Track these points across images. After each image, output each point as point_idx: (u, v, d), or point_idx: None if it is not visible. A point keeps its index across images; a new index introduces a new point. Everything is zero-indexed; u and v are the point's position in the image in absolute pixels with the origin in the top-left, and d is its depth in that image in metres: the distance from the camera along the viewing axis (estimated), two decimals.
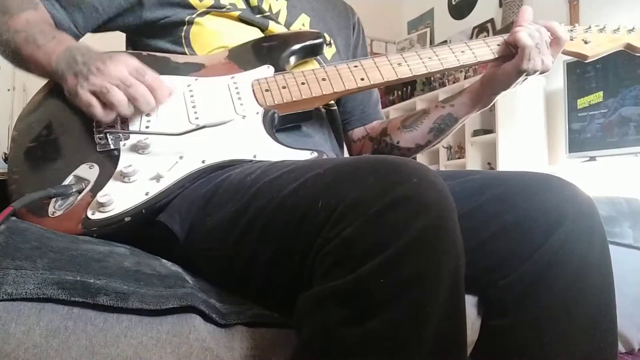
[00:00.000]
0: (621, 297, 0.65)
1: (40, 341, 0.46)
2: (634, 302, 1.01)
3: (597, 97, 2.60)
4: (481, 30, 3.67)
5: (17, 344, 0.46)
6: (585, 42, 0.91)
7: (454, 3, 4.05)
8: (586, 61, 0.92)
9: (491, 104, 0.93)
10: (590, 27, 0.92)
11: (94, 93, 0.70)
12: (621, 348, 1.09)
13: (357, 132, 1.06)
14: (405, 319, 0.44)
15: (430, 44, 4.22)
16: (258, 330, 0.57)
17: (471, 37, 3.74)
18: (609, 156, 2.57)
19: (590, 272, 0.64)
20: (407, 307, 0.44)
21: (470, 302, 0.70)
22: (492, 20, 3.59)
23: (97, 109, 0.70)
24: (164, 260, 0.63)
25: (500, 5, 3.50)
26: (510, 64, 0.84)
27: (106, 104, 0.70)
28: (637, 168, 2.49)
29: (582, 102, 2.67)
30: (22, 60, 0.78)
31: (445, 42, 4.02)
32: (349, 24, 1.07)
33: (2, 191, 0.76)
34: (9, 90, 3.32)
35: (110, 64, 0.71)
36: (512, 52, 0.85)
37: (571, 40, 0.90)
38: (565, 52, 0.91)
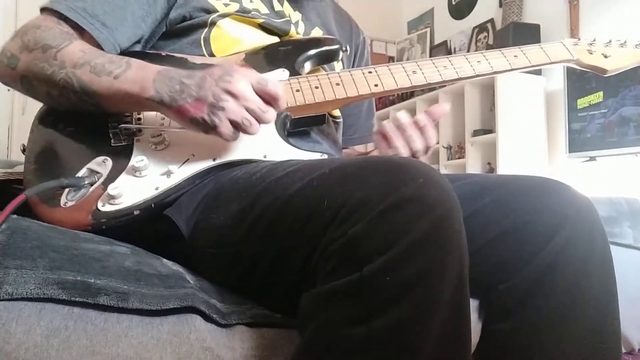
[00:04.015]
0: (621, 297, 0.65)
1: (41, 341, 0.46)
2: (635, 302, 1.01)
3: (597, 97, 2.59)
4: (481, 30, 3.67)
5: (18, 344, 0.46)
6: (605, 56, 0.89)
7: (454, 3, 4.05)
8: (605, 75, 0.90)
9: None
10: (610, 41, 0.91)
11: (232, 122, 0.65)
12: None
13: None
14: (410, 317, 0.45)
15: (430, 44, 4.21)
16: (259, 330, 0.57)
17: (471, 38, 3.73)
18: (609, 156, 2.57)
19: (591, 275, 0.64)
20: (412, 306, 0.45)
21: (471, 306, 0.70)
22: (492, 20, 3.59)
23: (234, 136, 0.67)
24: (165, 260, 0.63)
25: (500, 5, 3.50)
26: None
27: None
28: (637, 168, 2.49)
29: (582, 102, 2.66)
30: (92, 96, 0.69)
31: (445, 42, 4.02)
32: (350, 45, 1.08)
33: (2, 191, 0.76)
34: (9, 90, 3.32)
35: (235, 82, 0.65)
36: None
37: (590, 54, 0.89)
38: (584, 66, 0.90)
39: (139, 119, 0.75)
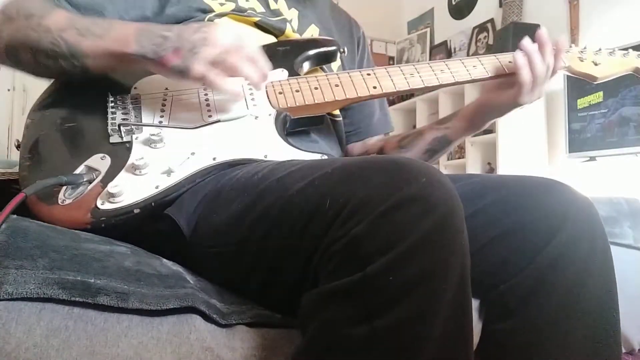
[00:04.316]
0: (621, 297, 0.65)
1: (41, 341, 0.46)
2: (634, 302, 1.01)
3: (597, 97, 2.59)
4: (481, 30, 3.67)
5: (18, 344, 0.46)
6: (595, 64, 0.92)
7: (454, 3, 4.05)
8: (595, 82, 0.93)
9: (485, 127, 0.95)
10: (600, 50, 0.93)
11: (208, 62, 0.67)
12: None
13: (358, 148, 1.07)
14: (412, 317, 0.45)
15: (430, 44, 4.21)
16: (259, 331, 0.57)
17: (471, 38, 3.73)
18: (609, 156, 2.57)
19: (591, 275, 0.64)
20: (414, 305, 0.45)
21: (472, 306, 0.70)
22: (492, 20, 3.59)
23: (217, 78, 0.68)
24: (164, 260, 0.63)
25: (500, 5, 3.50)
26: (508, 95, 0.86)
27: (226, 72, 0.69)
28: (637, 168, 2.49)
29: (582, 102, 2.67)
30: (80, 57, 0.71)
31: (445, 42, 4.02)
32: (352, 40, 1.08)
33: (2, 191, 0.76)
34: (9, 90, 3.32)
35: (212, 30, 0.68)
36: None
37: (581, 61, 0.92)
38: (575, 73, 0.92)
39: (138, 116, 0.75)
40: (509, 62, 0.87)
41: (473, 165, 3.28)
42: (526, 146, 3.00)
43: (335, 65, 0.99)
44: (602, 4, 2.78)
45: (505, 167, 2.94)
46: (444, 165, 3.52)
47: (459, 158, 3.46)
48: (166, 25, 0.71)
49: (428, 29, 4.27)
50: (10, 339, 0.45)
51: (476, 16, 3.77)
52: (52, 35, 0.70)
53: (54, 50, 0.70)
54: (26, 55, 0.72)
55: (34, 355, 0.46)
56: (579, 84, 2.68)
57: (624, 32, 2.57)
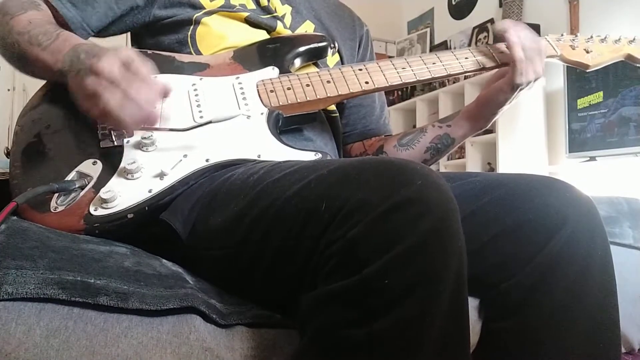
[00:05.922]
0: (621, 297, 0.65)
1: (41, 341, 0.46)
2: (635, 302, 1.01)
3: (597, 97, 2.59)
4: (481, 30, 3.67)
5: (18, 344, 0.46)
6: (587, 52, 0.91)
7: (454, 3, 4.05)
8: (587, 70, 0.92)
9: (490, 124, 0.92)
10: (592, 37, 0.92)
11: (90, 95, 0.64)
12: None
13: (356, 148, 1.06)
14: (410, 319, 0.45)
15: (430, 44, 4.21)
16: (259, 331, 0.57)
17: (471, 38, 3.73)
18: (609, 156, 2.57)
19: (592, 274, 0.64)
20: (412, 307, 0.44)
21: (471, 305, 0.70)
22: (492, 20, 3.59)
23: (102, 117, 0.65)
24: (164, 260, 0.63)
25: (500, 5, 3.50)
26: (503, 80, 0.84)
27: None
28: (637, 168, 2.49)
29: (582, 102, 2.66)
30: (27, 63, 0.75)
31: (445, 42, 4.02)
32: (354, 37, 1.06)
33: (2, 190, 0.76)
34: (9, 90, 3.32)
35: (103, 57, 0.64)
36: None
37: (573, 49, 0.91)
38: (567, 61, 0.91)
39: None
40: (500, 52, 0.86)
41: (473, 165, 3.28)
42: (526, 146, 3.00)
43: (334, 60, 0.97)
44: (602, 4, 2.78)
45: (505, 167, 2.94)
46: (444, 165, 3.52)
47: (459, 158, 3.46)
48: (92, 46, 0.69)
49: (428, 29, 4.27)
50: (10, 339, 0.45)
51: (476, 16, 3.77)
52: (12, 37, 0.74)
53: (12, 51, 0.75)
54: None
55: (33, 356, 0.46)
56: (579, 84, 2.68)
57: (624, 32, 2.57)
